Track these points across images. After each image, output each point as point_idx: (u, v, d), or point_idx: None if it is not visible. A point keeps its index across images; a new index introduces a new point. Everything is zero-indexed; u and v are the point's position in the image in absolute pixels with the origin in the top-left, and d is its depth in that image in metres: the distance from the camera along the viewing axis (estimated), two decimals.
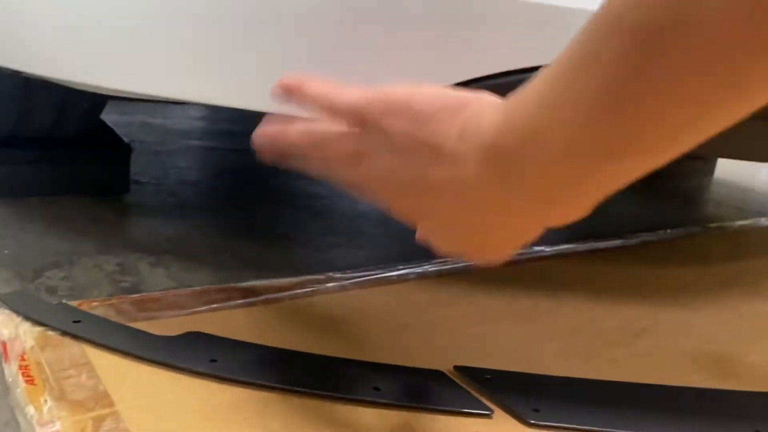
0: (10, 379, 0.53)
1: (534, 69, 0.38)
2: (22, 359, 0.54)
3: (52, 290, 0.72)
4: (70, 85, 0.59)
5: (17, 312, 0.60)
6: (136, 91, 0.56)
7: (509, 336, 0.70)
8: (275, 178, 1.27)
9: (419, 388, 0.56)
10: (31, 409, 0.48)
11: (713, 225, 1.26)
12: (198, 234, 0.93)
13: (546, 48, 0.49)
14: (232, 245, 0.91)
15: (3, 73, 0.84)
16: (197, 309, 0.66)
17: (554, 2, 0.51)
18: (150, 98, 0.59)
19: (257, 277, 0.77)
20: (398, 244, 1.01)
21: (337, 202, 1.15)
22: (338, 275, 0.79)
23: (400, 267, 0.84)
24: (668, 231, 1.17)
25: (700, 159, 1.75)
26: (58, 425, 0.47)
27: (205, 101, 0.57)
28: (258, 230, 0.99)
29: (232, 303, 0.68)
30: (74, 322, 0.59)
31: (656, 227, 1.18)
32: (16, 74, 0.63)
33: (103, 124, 1.12)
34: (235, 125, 1.58)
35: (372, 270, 0.82)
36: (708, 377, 0.66)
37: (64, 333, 0.58)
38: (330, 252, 0.94)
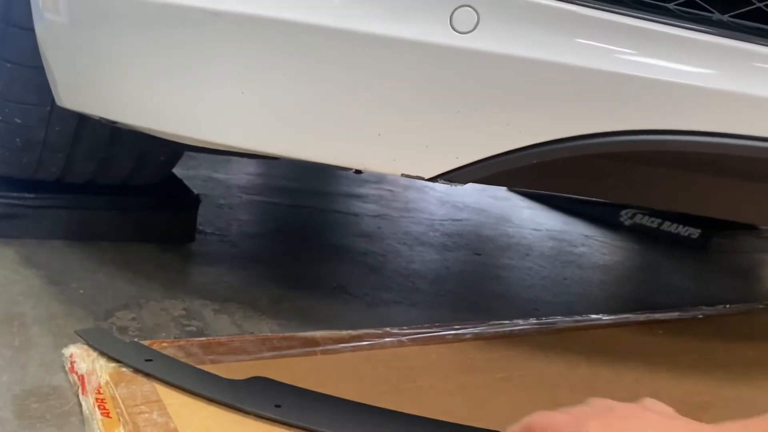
0: (87, 412, 0.55)
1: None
2: (99, 393, 0.56)
3: (122, 330, 0.75)
4: (188, 142, 0.63)
5: (93, 347, 0.63)
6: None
7: (568, 404, 0.69)
8: (333, 233, 1.30)
9: None
10: None
11: None
12: (259, 284, 0.96)
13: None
14: (291, 296, 0.93)
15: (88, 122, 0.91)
16: (261, 355, 0.68)
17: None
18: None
19: (314, 328, 0.79)
20: (451, 304, 1.01)
21: (391, 260, 1.17)
22: (395, 330, 0.79)
23: (457, 326, 0.84)
24: (727, 306, 1.15)
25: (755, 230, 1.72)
26: None
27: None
28: (315, 283, 1.01)
29: (293, 351, 0.70)
30: (146, 360, 0.61)
31: (714, 302, 1.16)
32: (109, 124, 0.68)
33: (173, 175, 1.18)
34: (291, 182, 1.63)
35: (428, 327, 0.83)
36: None
37: (137, 370, 0.60)
38: (385, 308, 0.95)
